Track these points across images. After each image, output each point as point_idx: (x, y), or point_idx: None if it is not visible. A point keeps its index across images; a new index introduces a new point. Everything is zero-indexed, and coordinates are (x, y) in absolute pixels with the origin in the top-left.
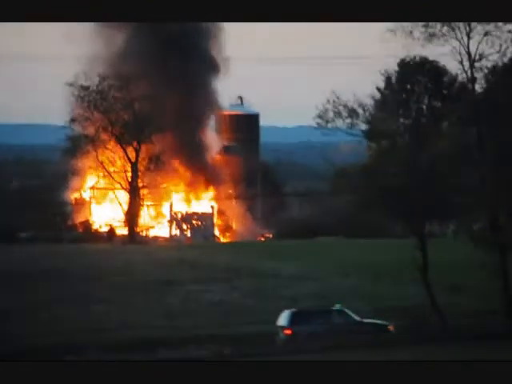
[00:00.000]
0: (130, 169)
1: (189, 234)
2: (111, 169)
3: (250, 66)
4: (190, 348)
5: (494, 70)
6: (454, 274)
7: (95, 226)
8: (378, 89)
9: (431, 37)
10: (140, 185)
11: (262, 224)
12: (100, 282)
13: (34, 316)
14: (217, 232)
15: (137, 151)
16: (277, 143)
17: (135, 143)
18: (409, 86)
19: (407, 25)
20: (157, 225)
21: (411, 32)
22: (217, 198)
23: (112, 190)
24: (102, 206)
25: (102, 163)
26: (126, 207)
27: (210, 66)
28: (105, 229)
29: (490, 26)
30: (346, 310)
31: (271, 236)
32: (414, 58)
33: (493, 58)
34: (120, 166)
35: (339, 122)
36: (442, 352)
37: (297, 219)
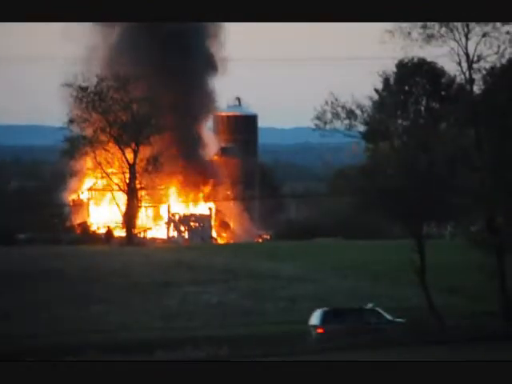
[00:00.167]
0: (128, 170)
1: (186, 236)
2: (109, 170)
3: (248, 66)
4: (187, 349)
5: (492, 71)
6: (451, 276)
7: (93, 228)
8: (376, 90)
9: (429, 38)
10: (138, 186)
11: (260, 225)
12: (98, 283)
13: (32, 317)
14: (214, 233)
15: (135, 152)
16: (275, 144)
17: (133, 144)
18: (407, 88)
19: (405, 26)
20: (155, 226)
21: (409, 33)
22: (215, 200)
23: (110, 191)
24: (100, 208)
25: (100, 164)
26: (123, 209)
27: (209, 66)
28: (103, 230)
29: (488, 27)
30: (378, 309)
31: (269, 237)
32: (412, 59)
33: (491, 60)
34: (118, 167)
35: (337, 124)
36: (440, 353)
37: (295, 220)
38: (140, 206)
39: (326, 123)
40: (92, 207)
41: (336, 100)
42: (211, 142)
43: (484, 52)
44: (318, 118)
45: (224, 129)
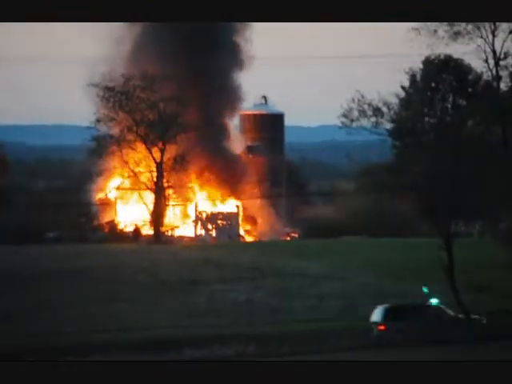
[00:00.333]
0: (155, 169)
1: (214, 234)
2: (136, 169)
3: (275, 65)
4: (214, 347)
5: None
6: (479, 274)
7: (121, 226)
8: (403, 87)
9: (456, 35)
10: (165, 185)
11: (287, 223)
12: (125, 281)
13: (60, 315)
14: (242, 231)
15: (162, 151)
16: (301, 143)
17: (160, 143)
18: (433, 85)
19: (432, 23)
20: (182, 225)
21: (436, 31)
22: (242, 198)
23: (137, 190)
24: (128, 206)
25: (127, 163)
26: (151, 207)
27: (235, 64)
28: (130, 229)
29: None
30: (442, 306)
31: (297, 235)
32: (439, 56)
33: None
34: (145, 166)
35: (364, 121)
36: (467, 351)
37: (321, 218)
38: (167, 205)
39: (352, 121)
40: (119, 206)
41: (362, 97)
42: (238, 141)
43: (511, 49)
44: (344, 115)
45: (250, 127)
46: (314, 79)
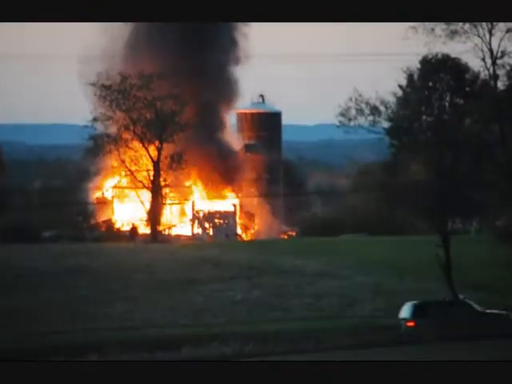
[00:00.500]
0: (152, 167)
1: (211, 233)
2: (133, 168)
3: (272, 63)
4: (212, 346)
5: None
6: (477, 271)
7: (118, 225)
8: (400, 86)
9: (453, 34)
10: (162, 183)
11: (285, 222)
12: (123, 280)
13: (57, 314)
14: (239, 230)
15: (159, 150)
16: (299, 141)
17: (157, 142)
18: (431, 84)
19: (429, 22)
20: (179, 223)
21: (433, 29)
22: (239, 196)
23: (134, 188)
24: (125, 205)
25: (124, 162)
26: (148, 206)
27: (232, 62)
28: (127, 228)
29: None
30: (469, 302)
31: (294, 234)
32: (436, 55)
33: None
34: (142, 164)
35: (361, 120)
36: (465, 350)
37: (319, 217)
38: (164, 204)
39: (350, 120)
40: (116, 205)
41: (360, 96)
42: (235, 139)
43: (508, 48)
44: (342, 114)
45: (248, 126)
46: (311, 78)
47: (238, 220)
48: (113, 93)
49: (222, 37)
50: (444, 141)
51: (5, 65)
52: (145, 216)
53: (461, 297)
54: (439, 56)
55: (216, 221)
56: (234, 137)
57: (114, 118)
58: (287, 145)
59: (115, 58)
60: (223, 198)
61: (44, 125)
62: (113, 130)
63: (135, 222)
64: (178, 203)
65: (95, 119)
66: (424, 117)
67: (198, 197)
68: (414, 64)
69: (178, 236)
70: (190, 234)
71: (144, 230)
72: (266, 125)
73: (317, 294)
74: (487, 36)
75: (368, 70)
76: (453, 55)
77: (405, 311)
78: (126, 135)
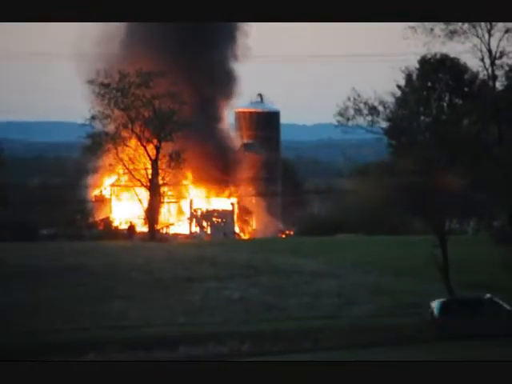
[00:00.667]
0: (150, 166)
1: (209, 231)
2: (131, 166)
3: (271, 63)
4: (210, 345)
5: None
6: (473, 272)
7: (115, 224)
8: (399, 86)
9: (452, 34)
10: (160, 182)
11: (283, 221)
12: (120, 279)
13: (54, 313)
14: (237, 229)
15: (157, 148)
16: (297, 141)
17: (155, 140)
18: (430, 84)
19: (428, 22)
20: (177, 222)
21: (432, 29)
22: (237, 195)
23: (132, 187)
24: (123, 204)
25: (122, 160)
26: (146, 204)
27: (231, 62)
28: (125, 226)
29: (511, 24)
30: (497, 300)
31: (292, 233)
32: (435, 55)
33: None
34: (140, 163)
35: (360, 120)
36: (461, 350)
37: (317, 216)
38: (162, 202)
39: (348, 119)
40: (114, 203)
41: (358, 96)
42: (234, 138)
43: (507, 48)
44: (340, 114)
45: (246, 125)
46: (310, 77)
47: (235, 219)
48: (111, 91)
49: (221, 35)
50: (442, 141)
51: (4, 63)
52: (143, 214)
53: (488, 295)
54: (438, 56)
55: (214, 219)
56: (232, 136)
57: (113, 116)
58: (285, 144)
59: (114, 56)
60: (221, 196)
61: (42, 122)
62: (111, 128)
63: (133, 220)
64: (176, 202)
65: (93, 117)
66: (422, 117)
67: (196, 195)
68: (413, 64)
69: (176, 234)
70: (187, 232)
71: (142, 228)
72: (265, 124)
73: (314, 294)
74: (486, 36)
75: (367, 70)
76: (452, 55)
77: (434, 308)
78: (125, 133)
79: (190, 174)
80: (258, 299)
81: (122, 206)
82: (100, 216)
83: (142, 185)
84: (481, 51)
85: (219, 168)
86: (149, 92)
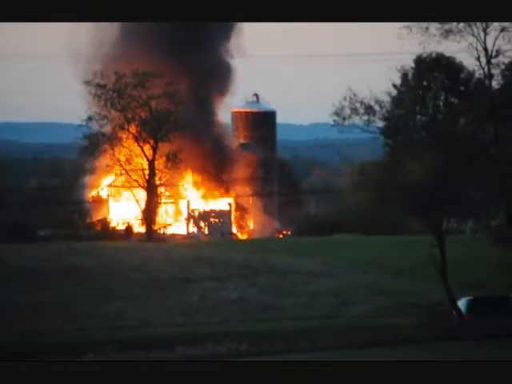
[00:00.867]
0: (147, 167)
1: (206, 232)
2: (128, 167)
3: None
4: (207, 345)
5: (510, 65)
6: (471, 272)
7: (113, 224)
8: (395, 85)
9: (447, 33)
10: (157, 182)
11: (280, 221)
12: (118, 279)
13: (53, 313)
14: (234, 229)
15: (154, 149)
16: (293, 141)
17: (152, 141)
18: (425, 83)
19: (423, 22)
20: (174, 222)
21: (427, 28)
22: (234, 196)
23: (129, 187)
24: (120, 204)
25: (119, 161)
26: (143, 205)
27: (227, 61)
28: (122, 227)
29: (507, 23)
30: None
31: (289, 233)
32: (431, 54)
33: (509, 54)
34: (137, 163)
35: (356, 119)
36: (460, 350)
37: (314, 216)
38: (160, 203)
39: (344, 119)
40: (112, 204)
41: (354, 95)
42: (230, 139)
43: (502, 47)
44: (336, 113)
45: (242, 125)
46: (306, 77)
47: (233, 219)
48: (108, 92)
49: (217, 34)
50: (438, 140)
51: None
52: (140, 215)
53: None
54: (433, 55)
55: (211, 220)
56: (229, 136)
57: (109, 117)
58: (282, 144)
59: (109, 56)
60: (218, 197)
61: (37, 123)
62: (108, 129)
63: (130, 220)
64: (173, 202)
65: (90, 118)
66: (419, 116)
67: (193, 196)
68: (409, 63)
69: (174, 235)
70: (185, 232)
71: (139, 228)
72: (261, 124)
73: (311, 294)
74: (482, 35)
75: (363, 69)
76: (447, 54)
77: (460, 306)
78: (121, 134)
79: (186, 175)
80: (256, 299)
81: (120, 206)
82: (97, 217)
83: (139, 185)
84: (477, 50)
85: (216, 168)
86: (145, 93)
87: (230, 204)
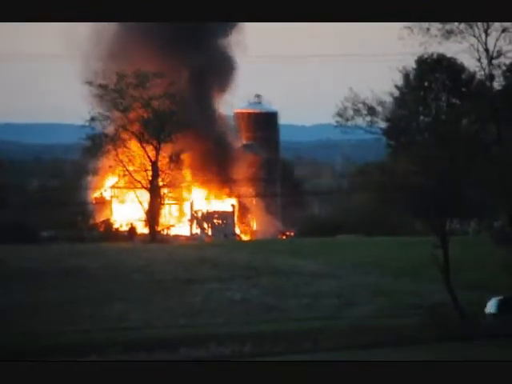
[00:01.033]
0: (150, 167)
1: (209, 233)
2: (131, 168)
3: (269, 63)
4: (211, 346)
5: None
6: (474, 272)
7: (116, 225)
8: (397, 86)
9: (449, 34)
10: (160, 183)
11: (283, 222)
12: (121, 281)
13: (55, 315)
14: (237, 230)
15: (157, 150)
16: (296, 141)
17: (155, 142)
18: (427, 84)
19: (424, 22)
20: (177, 223)
21: (428, 29)
22: (237, 197)
23: (132, 189)
24: (123, 205)
25: (122, 162)
26: (146, 206)
27: (229, 62)
28: (126, 228)
29: (508, 23)
30: None
31: (292, 234)
32: (432, 55)
33: (511, 55)
34: (140, 164)
35: (359, 120)
36: (462, 350)
37: (317, 217)
38: (163, 204)
39: (347, 120)
40: (115, 205)
41: (357, 96)
42: (233, 139)
43: (504, 48)
44: (339, 114)
45: (245, 126)
46: (308, 78)
47: (236, 220)
48: (109, 92)
49: (217, 29)
50: (441, 141)
51: (1, 64)
52: (143, 216)
53: None
54: (435, 56)
55: (214, 221)
56: (232, 137)
57: (112, 117)
58: (284, 145)
59: (111, 57)
60: (222, 198)
61: (40, 124)
62: (110, 129)
63: (134, 222)
64: (177, 203)
65: (93, 119)
66: (421, 117)
67: (196, 197)
68: (410, 64)
69: (177, 236)
70: (188, 234)
71: (142, 230)
72: (263, 125)
73: (314, 295)
74: (483, 36)
75: (365, 70)
76: (448, 55)
77: (491, 306)
78: (124, 135)
79: (189, 175)
80: (259, 300)
81: (123, 207)
82: (100, 218)
83: (142, 186)
84: (478, 51)
85: (219, 169)
86: (147, 93)
87: (233, 205)
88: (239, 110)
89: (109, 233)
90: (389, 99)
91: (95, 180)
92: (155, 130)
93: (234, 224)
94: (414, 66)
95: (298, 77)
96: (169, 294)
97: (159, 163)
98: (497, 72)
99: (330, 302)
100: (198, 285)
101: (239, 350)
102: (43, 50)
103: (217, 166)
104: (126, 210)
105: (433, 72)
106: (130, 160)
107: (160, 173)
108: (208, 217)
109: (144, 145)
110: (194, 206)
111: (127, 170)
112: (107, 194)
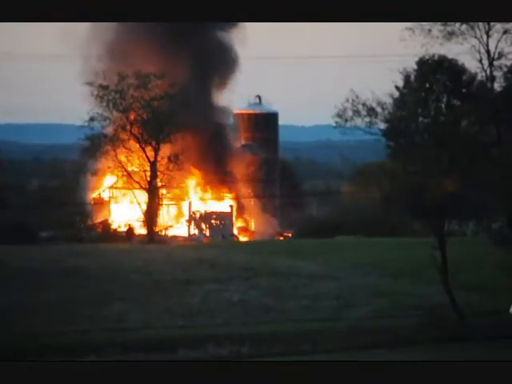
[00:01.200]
0: (148, 168)
1: (208, 234)
2: (130, 168)
3: (269, 64)
4: (209, 347)
5: None
6: (472, 273)
7: (114, 226)
8: (397, 87)
9: (450, 35)
10: (159, 184)
11: (282, 223)
12: (119, 281)
13: (53, 315)
14: (236, 231)
15: (156, 150)
16: (295, 142)
17: (154, 142)
18: (428, 85)
19: (426, 23)
20: (176, 224)
21: (430, 30)
22: (236, 197)
23: (131, 189)
24: (121, 206)
25: (120, 163)
26: (144, 207)
27: (229, 63)
28: (124, 228)
29: (510, 25)
30: None
31: (291, 235)
32: (433, 56)
33: None
34: (139, 165)
35: (358, 121)
36: (460, 352)
37: (316, 218)
38: (161, 204)
39: (346, 121)
40: (113, 205)
41: (357, 97)
42: (232, 140)
43: (505, 49)
44: (338, 115)
45: (245, 126)
46: (308, 78)
47: (234, 221)
48: (110, 93)
49: (218, 36)
50: (441, 142)
51: (1, 64)
52: (141, 217)
53: None
54: (436, 57)
55: (212, 221)
56: (231, 137)
57: (111, 118)
58: (284, 145)
59: (110, 58)
60: (220, 198)
61: (39, 124)
62: (110, 130)
63: (132, 222)
64: (175, 204)
65: (92, 119)
66: (421, 118)
67: (194, 197)
68: (411, 65)
69: (175, 237)
70: (186, 234)
71: (141, 230)
72: (263, 125)
73: (313, 296)
74: (484, 37)
75: (365, 71)
76: (450, 56)
77: None
78: (123, 136)
79: (188, 176)
80: (257, 301)
81: (121, 208)
82: (99, 218)
83: (141, 187)
84: (479, 52)
85: (218, 170)
86: (147, 94)
87: (231, 206)
88: (239, 111)
89: (107, 233)
90: (389, 100)
91: (94, 180)
92: (154, 131)
93: (232, 225)
94: (415, 67)
95: (298, 77)
96: (167, 295)
97: (158, 164)
98: (498, 73)
99: (329, 303)
100: (196, 285)
101: (237, 351)
102: (43, 50)
103: (215, 167)
104: (124, 211)
105: (434, 73)
106: (128, 160)
107: (158, 173)
108: (206, 217)
109: (143, 145)
110: (192, 206)
111: (126, 170)
112: (106, 195)
